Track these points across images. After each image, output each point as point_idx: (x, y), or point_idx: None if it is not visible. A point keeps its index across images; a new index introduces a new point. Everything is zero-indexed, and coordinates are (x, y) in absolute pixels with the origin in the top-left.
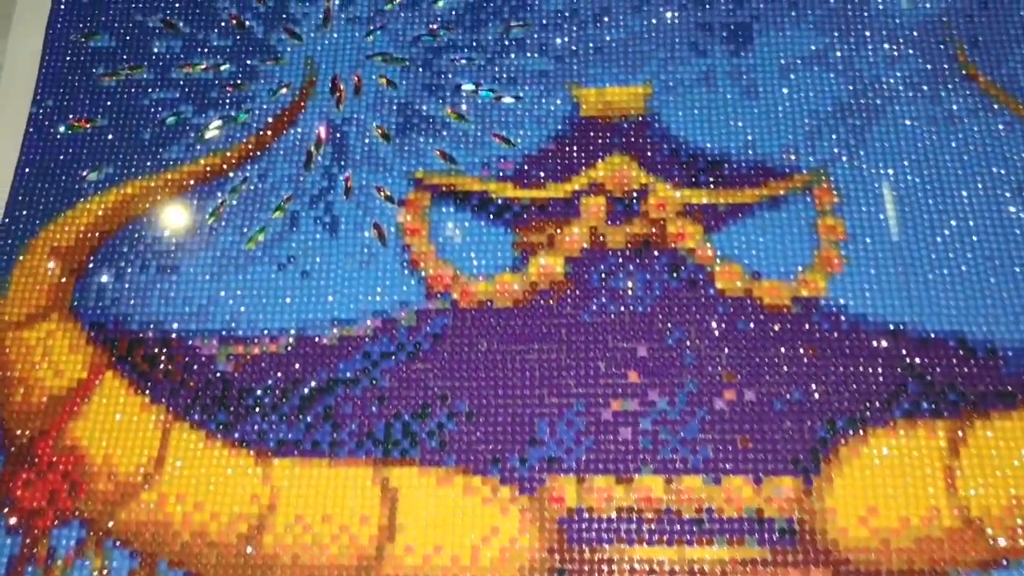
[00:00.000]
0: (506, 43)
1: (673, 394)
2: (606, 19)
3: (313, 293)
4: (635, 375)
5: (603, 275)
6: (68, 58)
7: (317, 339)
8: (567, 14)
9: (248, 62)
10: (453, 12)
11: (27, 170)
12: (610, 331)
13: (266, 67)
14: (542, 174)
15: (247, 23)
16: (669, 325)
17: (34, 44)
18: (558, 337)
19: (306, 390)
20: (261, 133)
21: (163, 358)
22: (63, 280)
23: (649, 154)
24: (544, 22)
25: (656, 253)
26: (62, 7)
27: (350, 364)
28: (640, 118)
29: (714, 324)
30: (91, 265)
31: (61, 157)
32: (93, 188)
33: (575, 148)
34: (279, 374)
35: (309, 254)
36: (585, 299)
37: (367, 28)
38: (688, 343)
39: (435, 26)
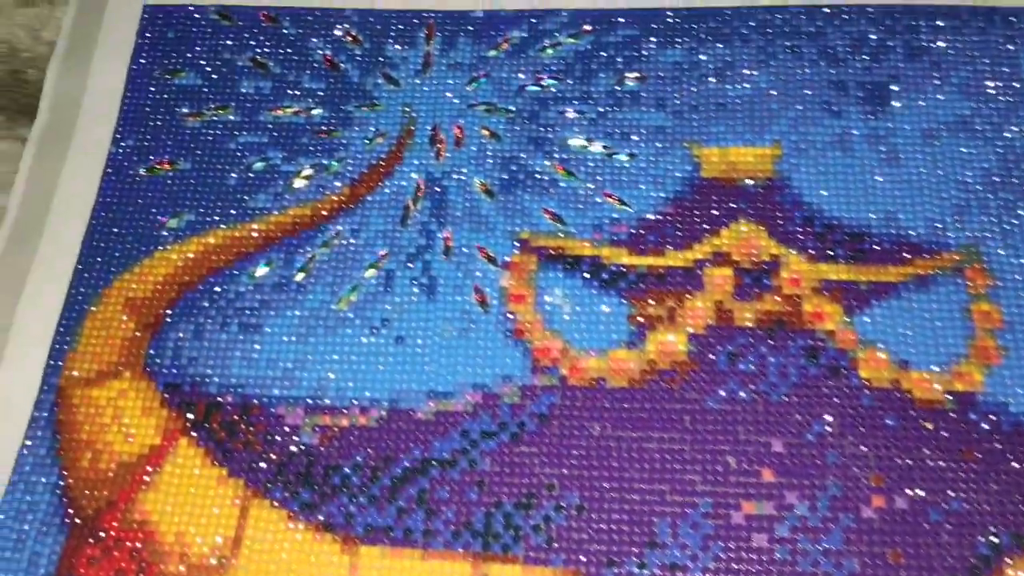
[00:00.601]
0: (619, 95)
1: (814, 497)
2: (729, 73)
3: (408, 361)
4: (770, 473)
5: (731, 356)
6: (151, 96)
7: (411, 413)
8: (686, 67)
9: (342, 107)
10: (562, 61)
11: (103, 214)
12: (740, 421)
13: (361, 113)
14: (660, 240)
15: (342, 65)
16: (808, 417)
17: (115, 81)
18: (681, 425)
19: (398, 470)
20: (355, 184)
21: (243, 426)
22: (137, 335)
23: (780, 222)
24: (661, 74)
25: (791, 334)
26: (146, 42)
27: (447, 443)
28: (768, 182)
29: (859, 419)
30: (168, 320)
31: (140, 201)
32: (173, 236)
33: (697, 212)
34: (369, 450)
35: (404, 318)
36: (711, 383)
37: (469, 75)
38: (830, 439)
39: (542, 75)
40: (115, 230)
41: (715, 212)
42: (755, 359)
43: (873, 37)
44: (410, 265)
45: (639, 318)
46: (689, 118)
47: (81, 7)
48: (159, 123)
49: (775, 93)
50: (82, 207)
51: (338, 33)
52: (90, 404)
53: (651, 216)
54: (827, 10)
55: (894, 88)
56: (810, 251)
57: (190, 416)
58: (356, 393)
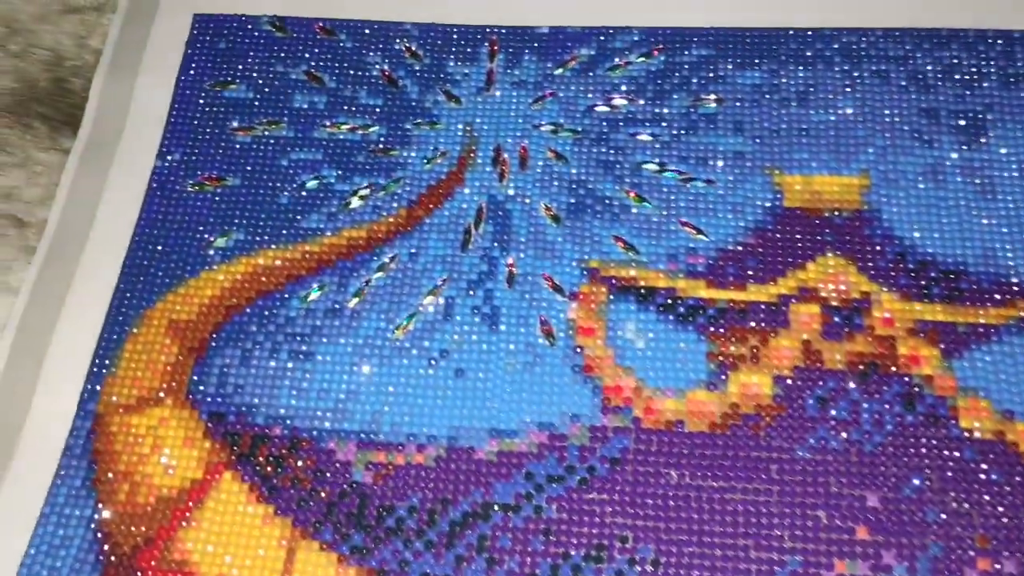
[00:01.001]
0: (694, 118)
1: (913, 558)
2: (812, 98)
3: (469, 396)
4: (864, 531)
5: (821, 401)
6: (199, 109)
7: (472, 452)
8: (766, 90)
9: (400, 125)
10: (633, 81)
11: (147, 230)
12: (832, 472)
13: (420, 131)
14: (741, 272)
15: (400, 81)
16: (905, 470)
17: (163, 92)
18: (767, 475)
19: (457, 514)
20: (413, 206)
21: (291, 461)
22: (181, 360)
23: (870, 257)
24: (740, 97)
25: (885, 378)
26: (196, 53)
27: (510, 486)
28: (857, 213)
29: (960, 473)
30: (213, 345)
31: (186, 218)
32: (220, 255)
33: (780, 244)
34: (426, 491)
35: (465, 349)
36: (800, 430)
37: (534, 94)
38: (929, 495)
39: (612, 96)
40: (159, 248)
41: (800, 244)
42: (847, 405)
43: (965, 63)
44: (471, 293)
45: (720, 357)
46: (770, 144)
47: (129, 15)
48: (207, 137)
49: (861, 120)
50: (125, 223)
51: (398, 47)
52: (129, 432)
53: (731, 247)
54: (915, 34)
55: (989, 117)
56: (903, 289)
57: (235, 448)
58: (413, 429)
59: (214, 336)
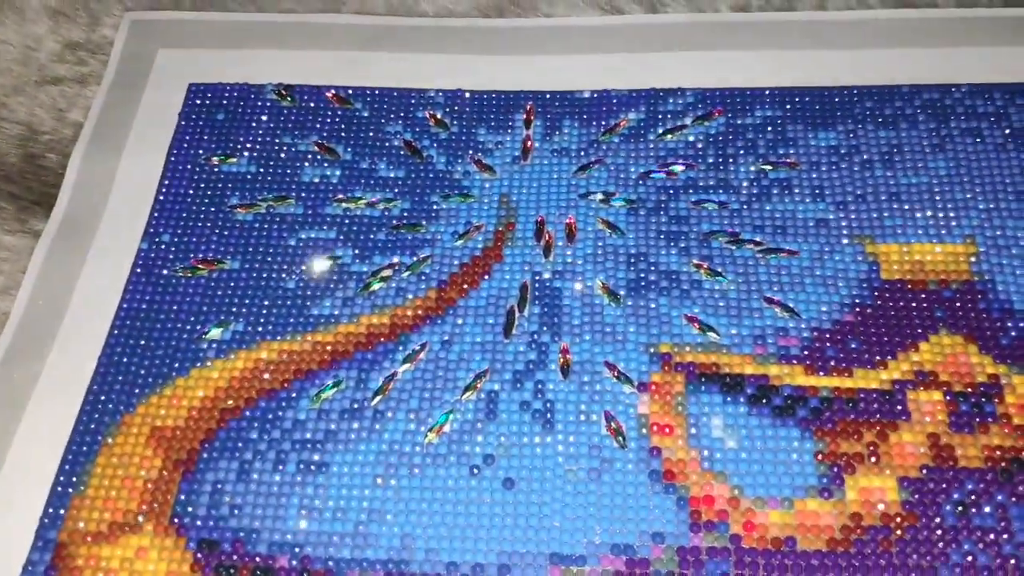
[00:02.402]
0: (765, 184)
1: None
2: (897, 159)
3: (522, 513)
4: None
5: (961, 507)
6: (193, 184)
7: None
8: (844, 151)
9: (426, 198)
10: (690, 146)
11: (129, 322)
12: None
13: (449, 204)
14: (843, 356)
15: (425, 151)
16: None
17: (152, 167)
18: None
19: None
20: (444, 287)
21: None
22: (165, 475)
23: (990, 334)
24: (814, 160)
25: None
26: (191, 124)
27: None
28: (967, 285)
29: None
30: (205, 456)
31: (175, 307)
32: (215, 350)
33: (884, 322)
34: None
35: (515, 454)
36: (940, 543)
37: (578, 162)
38: None
39: (668, 161)
40: (142, 342)
41: (908, 322)
42: (993, 510)
43: None
44: (518, 386)
45: (831, 457)
46: (856, 210)
47: (116, 84)
48: (202, 215)
49: (958, 181)
50: (102, 314)
51: (421, 116)
52: (98, 567)
53: (827, 326)
54: (1006, 89)
55: None
56: None
57: None
58: (453, 556)
59: (206, 446)
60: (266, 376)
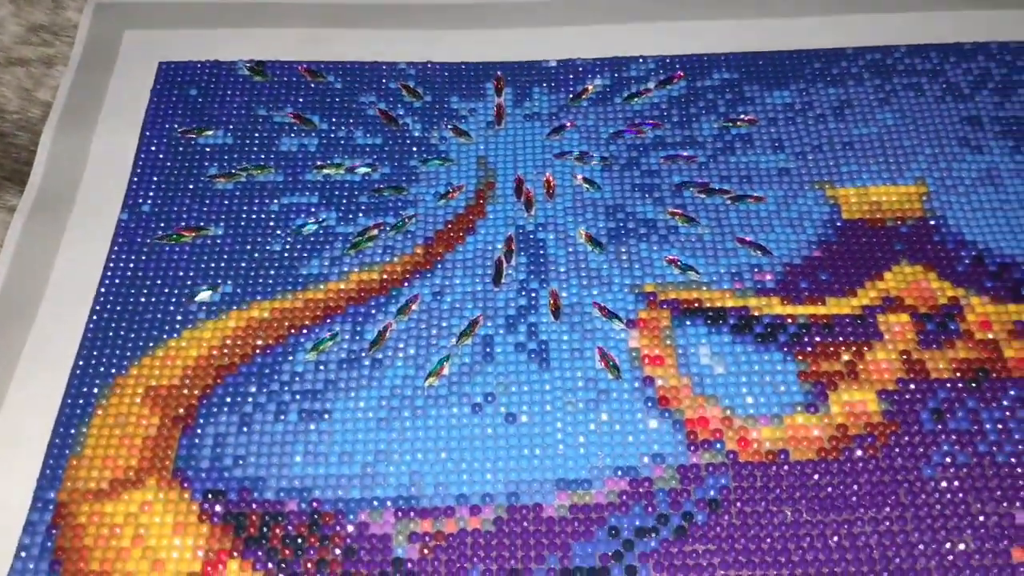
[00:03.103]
0: (728, 139)
1: None
2: (848, 113)
3: (525, 445)
4: (1021, 552)
5: (936, 413)
6: (170, 157)
7: (538, 509)
8: (798, 108)
9: (405, 162)
10: (656, 107)
11: (114, 289)
12: (968, 489)
13: (429, 168)
14: (815, 286)
15: (400, 119)
16: None
17: (126, 142)
18: (895, 500)
19: None
20: (430, 243)
21: (314, 540)
22: (164, 431)
23: (946, 262)
24: (771, 116)
25: (1000, 383)
26: (163, 100)
27: (592, 546)
28: (921, 221)
29: None
30: (203, 411)
31: (160, 273)
32: (205, 312)
33: (848, 256)
34: (489, 562)
35: (514, 392)
36: (920, 446)
37: (549, 125)
38: None
39: (636, 122)
40: (129, 308)
41: (871, 255)
42: (965, 415)
43: (996, 73)
44: (512, 329)
45: (814, 376)
46: (814, 159)
47: (84, 64)
48: (180, 186)
49: (904, 130)
50: (86, 283)
51: (394, 86)
52: (102, 523)
53: (797, 261)
54: (941, 49)
55: None
56: (991, 292)
57: (241, 532)
58: (462, 488)
59: (203, 401)
60: (260, 333)
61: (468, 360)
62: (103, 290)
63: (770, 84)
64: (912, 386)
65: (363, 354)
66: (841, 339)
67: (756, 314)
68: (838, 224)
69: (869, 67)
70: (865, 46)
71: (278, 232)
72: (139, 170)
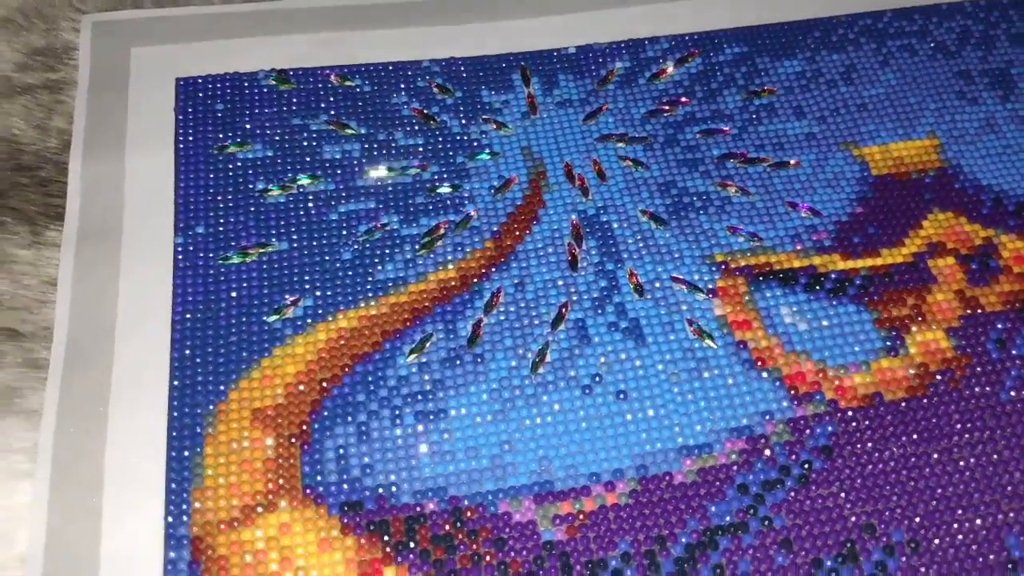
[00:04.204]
0: (753, 110)
1: None
2: (854, 76)
3: (642, 418)
4: None
5: (999, 343)
6: (212, 175)
7: (669, 477)
8: (809, 75)
9: (451, 160)
10: (679, 85)
11: (188, 316)
12: None
13: (477, 163)
14: (867, 240)
15: (438, 117)
16: None
17: (161, 164)
18: (982, 423)
19: (680, 549)
20: (499, 236)
21: (462, 536)
22: (282, 451)
23: (972, 206)
24: (787, 85)
25: None
26: (190, 117)
27: (726, 504)
28: (941, 171)
29: None
30: (317, 426)
31: (232, 294)
32: (291, 328)
33: (887, 209)
34: (635, 533)
35: (617, 370)
36: (993, 373)
37: (583, 111)
38: None
39: (664, 101)
40: (209, 333)
41: (906, 206)
42: (1022, 340)
43: (974, 30)
44: (601, 311)
45: (888, 322)
46: (834, 122)
47: (94, 86)
48: (230, 203)
49: (908, 89)
50: (156, 313)
51: (422, 84)
52: (244, 551)
53: (846, 219)
54: (922, 10)
55: (1013, 72)
56: (1017, 229)
57: (388, 538)
58: (592, 467)
59: (314, 416)
60: (353, 343)
61: (567, 345)
62: (178, 318)
63: (779, 55)
64: (973, 321)
65: (463, 351)
66: (902, 286)
67: (823, 271)
68: (870, 181)
69: (864, 32)
70: (856, 12)
71: (345, 240)
72: (182, 191)
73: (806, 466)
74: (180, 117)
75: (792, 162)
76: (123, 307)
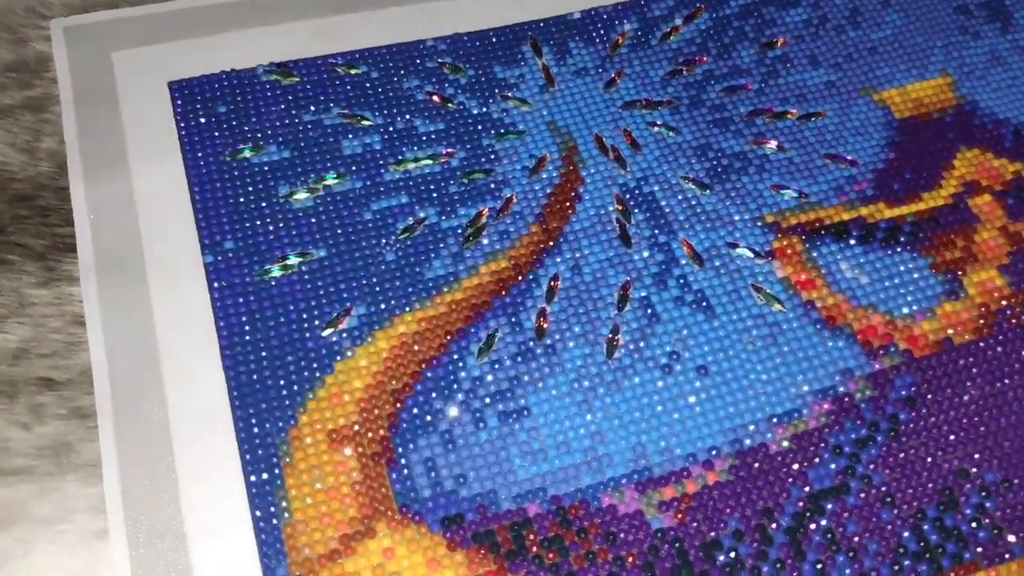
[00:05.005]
0: (768, 63)
1: None
2: (860, 19)
3: (728, 391)
4: None
5: None
6: (229, 184)
7: (764, 448)
8: (816, 22)
9: (478, 143)
10: (692, 43)
11: (236, 339)
12: None
13: (504, 143)
14: (906, 186)
15: (455, 99)
16: None
17: (172, 177)
18: None
19: (787, 519)
20: (544, 219)
21: (572, 536)
22: (368, 471)
23: (995, 141)
24: (796, 34)
25: None
26: (193, 124)
27: (824, 468)
28: (959, 108)
29: None
30: (399, 441)
31: (279, 309)
32: (350, 339)
33: (917, 152)
34: (742, 508)
35: (692, 344)
36: None
37: (602, 78)
38: None
39: (681, 60)
40: (263, 355)
41: (934, 147)
42: None
43: None
44: (663, 286)
45: (943, 266)
46: (850, 68)
47: (80, 99)
48: (255, 212)
49: (914, 28)
50: (203, 339)
51: (431, 65)
52: None
53: (882, 166)
54: None
55: (1007, 1)
56: None
57: (499, 549)
58: (687, 448)
59: (394, 430)
60: (417, 348)
61: (636, 325)
62: (226, 343)
63: (784, 3)
64: (1021, 256)
65: (534, 344)
66: (948, 228)
67: (872, 221)
68: (895, 125)
69: None
70: None
71: (385, 240)
72: (200, 204)
73: (893, 419)
74: (182, 124)
75: (818, 112)
76: (163, 338)
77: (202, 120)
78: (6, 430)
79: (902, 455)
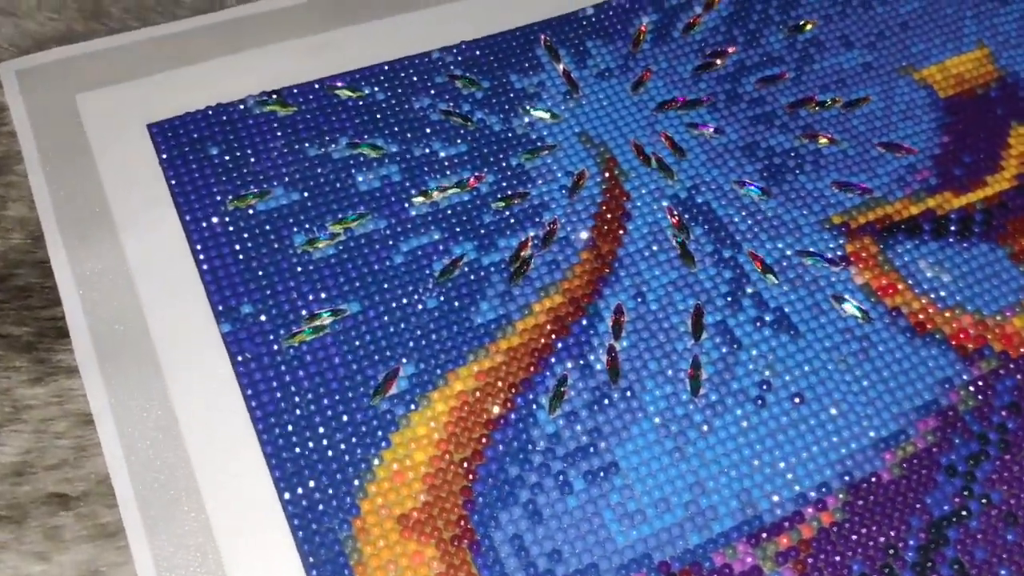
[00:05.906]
0: (800, 47)
1: None
2: None
3: (825, 419)
4: None
5: None
6: (235, 238)
7: (876, 479)
8: (840, 0)
9: (506, 163)
10: (717, 32)
11: (273, 421)
12: None
13: (536, 161)
14: (967, 171)
15: (474, 116)
16: None
17: (169, 235)
18: None
19: (912, 553)
20: (593, 245)
21: None
22: (450, 559)
23: None
24: (824, 14)
25: None
26: (183, 171)
27: (940, 493)
28: (1002, 81)
29: None
30: (477, 519)
31: (318, 379)
32: (403, 405)
33: (970, 132)
34: (865, 549)
35: (781, 369)
36: None
37: (627, 79)
38: None
39: (708, 52)
40: (307, 436)
41: (986, 125)
42: None
43: None
44: (738, 307)
45: (1021, 255)
46: (884, 47)
47: (47, 154)
48: (271, 268)
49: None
50: (235, 426)
51: (441, 80)
52: None
53: (939, 151)
54: None
55: None
56: None
57: None
58: (795, 489)
59: (470, 507)
60: (480, 407)
61: (717, 355)
62: (261, 426)
63: None
64: None
65: (609, 388)
66: (1019, 213)
67: (942, 213)
68: (941, 105)
69: None
70: None
71: (423, 286)
72: (206, 265)
73: (1002, 430)
74: (170, 173)
75: (862, 98)
76: (187, 427)
77: (193, 166)
78: (22, 566)
79: (1016, 467)
